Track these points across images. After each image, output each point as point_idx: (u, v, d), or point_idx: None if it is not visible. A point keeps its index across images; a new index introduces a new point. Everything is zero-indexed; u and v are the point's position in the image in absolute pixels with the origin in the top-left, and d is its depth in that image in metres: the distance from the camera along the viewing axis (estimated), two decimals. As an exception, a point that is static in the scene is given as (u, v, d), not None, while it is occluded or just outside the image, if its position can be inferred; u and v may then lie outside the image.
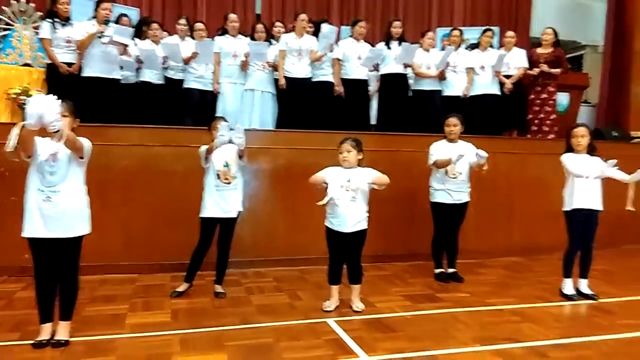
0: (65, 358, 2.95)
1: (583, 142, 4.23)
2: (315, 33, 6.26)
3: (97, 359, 2.94)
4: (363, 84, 6.35)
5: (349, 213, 3.76)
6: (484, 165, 4.53)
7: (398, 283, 4.78)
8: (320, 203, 3.76)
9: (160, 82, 5.98)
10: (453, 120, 4.71)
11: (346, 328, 3.48)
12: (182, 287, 4.22)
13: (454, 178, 4.66)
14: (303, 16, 6.07)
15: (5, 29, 6.24)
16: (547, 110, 6.69)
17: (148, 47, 5.85)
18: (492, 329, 3.55)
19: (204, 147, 4.09)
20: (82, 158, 3.10)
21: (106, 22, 5.45)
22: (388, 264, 5.37)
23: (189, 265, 4.22)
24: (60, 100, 2.75)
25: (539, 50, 6.75)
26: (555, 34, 6.69)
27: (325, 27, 6.05)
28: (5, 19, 6.26)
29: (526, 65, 6.58)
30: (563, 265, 4.36)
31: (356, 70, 6.24)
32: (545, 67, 6.54)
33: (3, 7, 6.32)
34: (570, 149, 4.30)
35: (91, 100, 5.20)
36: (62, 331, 3.12)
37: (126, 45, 5.55)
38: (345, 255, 3.88)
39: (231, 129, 3.88)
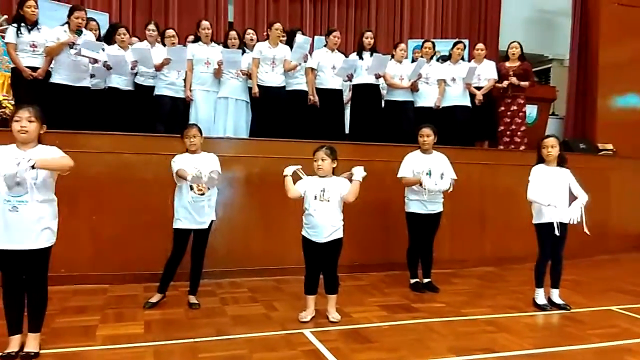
0: (34, 371, 2.85)
1: (553, 152, 4.31)
2: (289, 42, 6.27)
3: (67, 372, 2.86)
4: (338, 93, 6.37)
5: (324, 223, 3.76)
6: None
7: (374, 293, 4.78)
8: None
9: (129, 88, 5.88)
10: (426, 131, 4.76)
11: (322, 339, 3.46)
12: (156, 298, 4.15)
13: (432, 195, 4.68)
14: (277, 25, 6.06)
15: (-30, 33, 6.05)
16: (518, 122, 6.83)
17: (116, 52, 5.73)
18: (467, 339, 3.57)
19: (175, 165, 4.01)
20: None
21: (78, 31, 5.32)
22: (364, 274, 5.38)
23: (162, 275, 4.15)
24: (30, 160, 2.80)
25: (507, 64, 6.90)
26: (521, 47, 6.86)
27: (300, 38, 6.06)
28: (-29, 22, 6.07)
29: (496, 77, 6.71)
30: (534, 275, 4.43)
31: (331, 80, 6.26)
32: (514, 80, 6.69)
33: (-32, 10, 6.13)
34: (541, 159, 4.39)
35: (58, 107, 5.07)
36: (32, 343, 3.03)
37: (96, 60, 5.44)
38: (321, 265, 3.86)
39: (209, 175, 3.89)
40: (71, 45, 5.27)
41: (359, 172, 3.79)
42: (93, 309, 4.03)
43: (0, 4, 6.41)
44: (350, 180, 3.83)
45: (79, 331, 3.50)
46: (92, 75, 5.64)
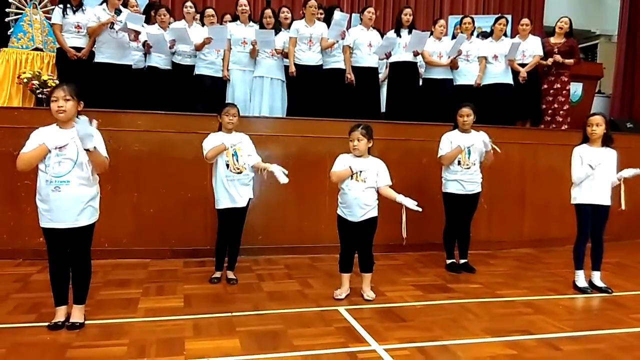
0: (80, 340, 2.97)
1: (598, 130, 4.13)
2: (327, 19, 6.21)
3: (111, 342, 2.97)
4: (373, 71, 6.28)
5: (359, 202, 3.76)
6: (490, 154, 4.56)
7: (409, 273, 4.77)
8: None
9: (167, 67, 5.95)
10: (466, 110, 4.65)
11: (357, 316, 3.49)
12: (218, 274, 4.28)
13: (467, 169, 4.62)
14: (312, 2, 5.97)
15: (16, 14, 6.23)
16: (561, 101, 6.62)
17: (156, 32, 5.80)
18: (503, 320, 3.54)
19: (208, 144, 4.07)
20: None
21: (117, 11, 5.40)
22: (399, 253, 5.35)
23: (216, 255, 4.30)
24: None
25: (552, 40, 6.67)
26: (571, 23, 6.61)
27: (337, 14, 5.99)
28: (16, 2, 6.24)
29: (541, 53, 6.48)
30: (573, 257, 4.34)
31: (366, 58, 6.18)
32: (558, 58, 6.46)
33: (14, -8, 6.31)
34: (586, 139, 4.24)
35: (101, 86, 5.19)
36: (77, 314, 3.16)
37: (138, 32, 5.51)
38: (356, 243, 3.87)
39: None
40: (111, 25, 5.36)
41: (404, 199, 3.73)
42: (135, 282, 4.17)
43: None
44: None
45: (121, 303, 3.62)
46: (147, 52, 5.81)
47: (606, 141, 4.19)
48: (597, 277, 4.32)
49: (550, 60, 6.50)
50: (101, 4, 5.50)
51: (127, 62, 5.61)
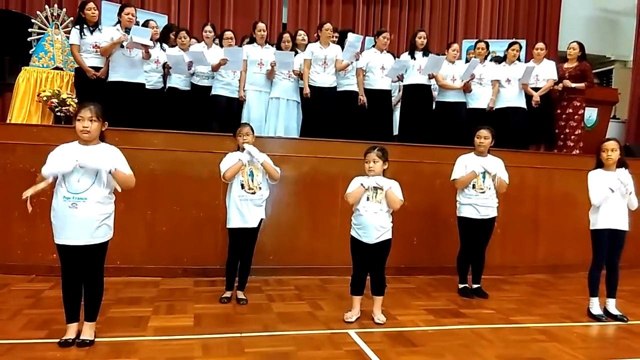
0: (89, 358, 2.97)
1: (613, 156, 4.11)
2: (341, 42, 6.28)
3: (120, 361, 2.96)
4: (386, 94, 6.33)
5: (375, 223, 3.75)
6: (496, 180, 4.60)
7: (421, 296, 4.72)
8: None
9: (187, 88, 6.08)
10: (484, 132, 4.63)
11: (367, 340, 3.45)
12: (228, 294, 4.27)
13: (482, 193, 4.59)
14: (327, 25, 6.08)
15: (38, 33, 6.38)
16: (572, 125, 6.60)
17: (176, 53, 5.92)
18: (516, 347, 3.48)
19: (225, 164, 4.09)
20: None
21: (127, 31, 5.47)
22: (411, 276, 5.32)
23: (226, 275, 4.29)
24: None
25: (565, 66, 6.68)
26: (581, 47, 6.60)
27: (351, 36, 6.07)
28: (39, 23, 6.40)
29: (555, 77, 6.47)
30: (588, 284, 4.28)
31: (379, 81, 6.23)
32: (567, 83, 6.46)
33: (37, 12, 6.47)
34: (600, 164, 4.22)
35: (118, 105, 5.27)
36: (87, 331, 3.16)
37: (147, 47, 5.57)
38: (369, 265, 3.85)
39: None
40: (122, 45, 5.45)
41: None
42: (145, 300, 4.17)
43: (67, 7, 6.70)
44: None
45: (131, 321, 3.61)
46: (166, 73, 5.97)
47: (621, 167, 4.16)
48: (612, 305, 4.25)
49: (560, 86, 6.50)
50: (115, 25, 5.62)
51: (140, 81, 5.68)
